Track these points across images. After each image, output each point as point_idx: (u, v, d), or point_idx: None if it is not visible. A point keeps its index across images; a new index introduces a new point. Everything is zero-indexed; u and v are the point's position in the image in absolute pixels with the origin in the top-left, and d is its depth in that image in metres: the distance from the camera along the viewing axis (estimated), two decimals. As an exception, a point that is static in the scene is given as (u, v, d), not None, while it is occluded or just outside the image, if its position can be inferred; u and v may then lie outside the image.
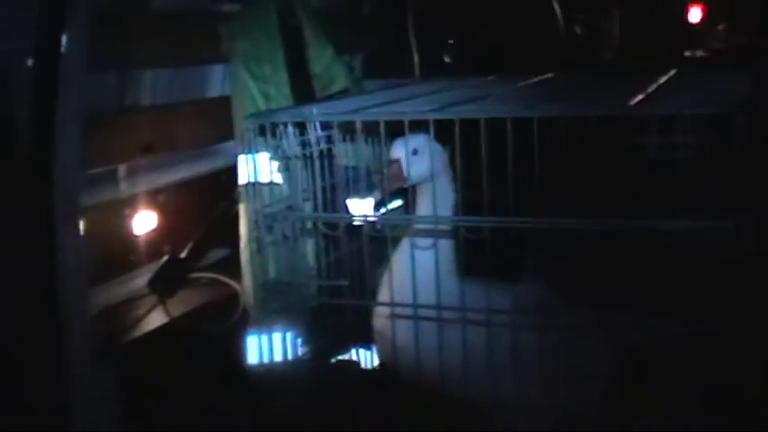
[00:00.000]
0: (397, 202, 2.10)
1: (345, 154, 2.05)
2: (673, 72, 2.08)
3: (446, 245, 1.84)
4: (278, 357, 1.99)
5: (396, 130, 1.76)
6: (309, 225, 2.05)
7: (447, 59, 3.98)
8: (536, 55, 3.82)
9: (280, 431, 2.07)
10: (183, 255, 2.72)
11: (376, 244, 1.90)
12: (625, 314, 1.60)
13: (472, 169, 1.64)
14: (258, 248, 1.89)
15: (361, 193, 2.13)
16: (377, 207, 1.99)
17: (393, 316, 1.83)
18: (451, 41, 4.00)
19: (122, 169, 2.69)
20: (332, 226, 1.87)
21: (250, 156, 1.84)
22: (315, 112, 1.78)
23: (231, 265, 2.57)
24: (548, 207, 1.54)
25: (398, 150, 1.81)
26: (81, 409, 1.76)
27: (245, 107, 2.40)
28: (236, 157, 2.20)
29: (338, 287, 1.98)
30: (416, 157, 1.81)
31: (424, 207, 1.86)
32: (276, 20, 2.55)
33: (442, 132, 1.71)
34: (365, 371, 2.31)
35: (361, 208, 2.17)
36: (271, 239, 1.88)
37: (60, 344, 1.74)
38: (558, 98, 1.71)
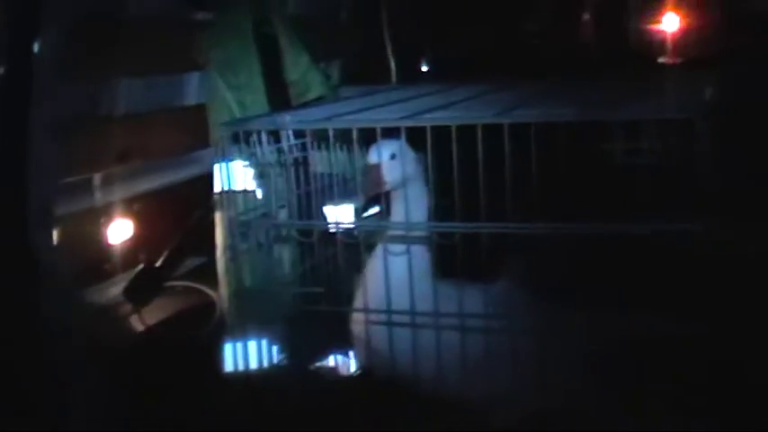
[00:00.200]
0: (374, 209, 2.11)
1: (320, 161, 2.06)
2: (644, 78, 2.11)
3: (422, 250, 1.86)
4: (254, 365, 1.99)
5: (370, 138, 1.78)
6: (285, 233, 2.05)
7: (423, 66, 4.01)
8: (511, 61, 3.85)
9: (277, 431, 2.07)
10: (158, 263, 2.72)
11: (353, 251, 1.91)
12: (600, 313, 1.62)
13: (446, 175, 1.66)
14: (233, 256, 1.89)
15: (336, 200, 2.14)
16: (358, 213, 2.01)
17: (368, 322, 1.84)
18: (428, 48, 4.03)
19: (97, 178, 2.68)
20: (307, 233, 1.87)
21: (224, 164, 1.85)
22: (288, 120, 1.79)
23: (208, 273, 2.57)
24: (520, 212, 1.56)
25: (376, 155, 1.82)
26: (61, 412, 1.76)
27: (221, 115, 2.40)
28: (213, 165, 2.20)
29: (314, 294, 1.98)
30: (394, 162, 1.83)
31: (399, 213, 1.88)
32: (251, 28, 2.56)
33: (416, 139, 1.73)
34: (344, 377, 2.32)
35: (339, 215, 2.18)
36: (245, 247, 1.88)
37: (43, 349, 1.74)
38: (529, 104, 1.73)
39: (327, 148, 1.99)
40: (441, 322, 1.77)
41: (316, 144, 1.99)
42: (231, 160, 1.87)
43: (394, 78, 3.69)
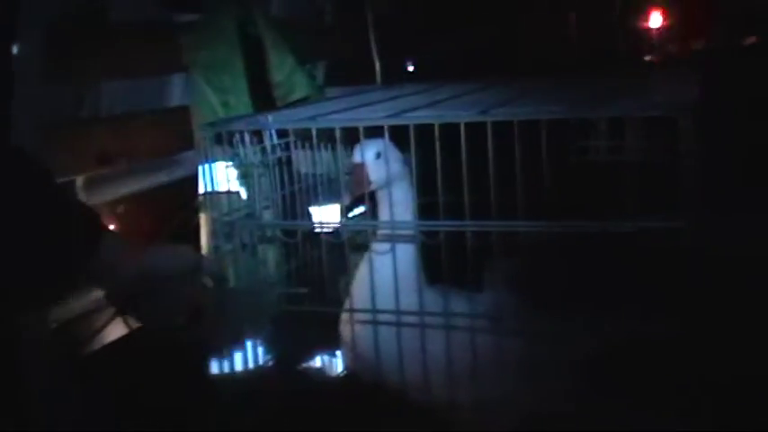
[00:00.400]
0: (360, 209, 2.11)
1: (304, 161, 2.06)
2: (628, 76, 2.11)
3: (412, 251, 1.85)
4: (240, 366, 1.98)
5: (354, 137, 1.77)
6: (269, 233, 2.04)
7: (409, 66, 4.01)
8: (496, 60, 3.86)
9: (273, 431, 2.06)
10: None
11: (339, 251, 1.90)
12: (587, 316, 1.62)
13: (431, 174, 1.66)
14: (217, 257, 1.88)
15: (322, 201, 2.13)
16: (344, 213, 2.00)
17: (352, 322, 1.83)
18: (413, 48, 4.03)
19: (80, 180, 2.66)
20: (291, 233, 1.86)
21: (207, 165, 1.84)
22: (270, 120, 1.78)
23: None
24: (506, 210, 1.56)
25: (361, 155, 1.82)
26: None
27: (205, 116, 2.39)
28: (198, 166, 2.19)
29: (299, 295, 1.97)
30: (379, 161, 1.82)
31: (385, 213, 1.87)
32: (235, 29, 2.55)
33: (401, 138, 1.72)
34: (331, 378, 2.31)
35: (326, 215, 2.17)
36: (230, 248, 1.87)
37: (21, 356, 1.72)
38: (514, 102, 1.73)
39: (311, 147, 1.98)
40: (427, 323, 1.76)
41: (300, 144, 1.99)
42: (214, 161, 1.86)
43: (379, 79, 3.69)
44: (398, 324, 1.78)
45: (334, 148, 2.02)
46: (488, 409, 1.79)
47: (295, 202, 2.04)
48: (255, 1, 2.76)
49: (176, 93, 2.97)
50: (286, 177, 2.05)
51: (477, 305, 1.82)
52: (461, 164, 1.60)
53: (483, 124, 1.56)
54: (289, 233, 1.87)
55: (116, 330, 2.50)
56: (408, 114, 1.68)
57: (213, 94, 2.45)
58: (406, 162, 1.85)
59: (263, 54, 2.62)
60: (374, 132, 1.73)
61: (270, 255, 2.20)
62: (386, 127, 1.67)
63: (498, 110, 1.60)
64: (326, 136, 1.91)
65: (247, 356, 1.98)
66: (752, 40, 4.71)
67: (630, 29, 4.97)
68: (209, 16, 2.58)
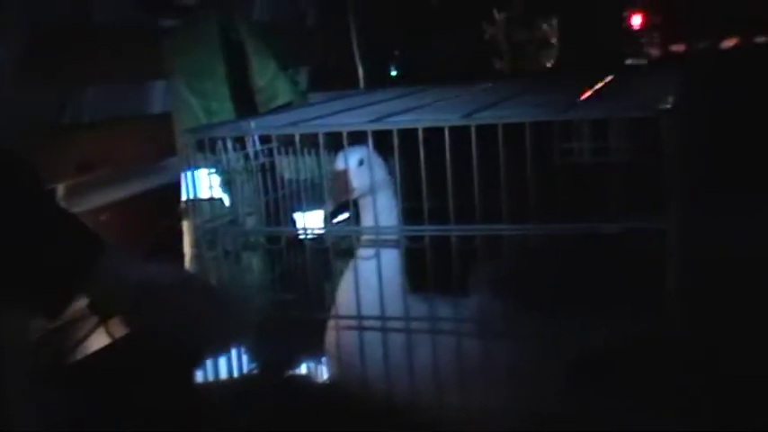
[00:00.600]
0: (344, 215, 2.10)
1: (287, 167, 2.05)
2: (610, 78, 2.12)
3: (398, 256, 1.84)
4: (225, 373, 1.96)
5: (337, 142, 1.76)
6: (252, 239, 2.03)
7: (392, 71, 4.01)
8: (478, 64, 3.86)
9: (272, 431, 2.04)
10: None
11: (324, 257, 1.89)
12: (573, 318, 1.62)
13: (415, 179, 1.65)
14: (200, 265, 1.86)
15: (305, 206, 2.12)
16: (327, 219, 1.99)
17: (338, 329, 1.82)
18: (396, 53, 4.03)
19: (61, 189, 2.64)
20: (275, 240, 1.85)
21: (189, 171, 1.82)
22: (253, 126, 1.77)
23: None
24: (491, 214, 1.56)
25: (344, 161, 1.81)
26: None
27: (187, 123, 2.37)
28: (180, 173, 2.18)
29: (284, 301, 1.96)
30: (362, 168, 1.81)
31: (369, 219, 1.86)
32: (217, 34, 2.54)
33: (383, 143, 1.72)
34: (318, 385, 2.30)
35: (308, 221, 2.16)
36: (213, 255, 1.86)
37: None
38: (496, 106, 1.73)
39: (295, 153, 1.97)
40: (413, 329, 1.76)
41: (283, 150, 1.98)
42: (197, 168, 1.85)
43: (362, 84, 3.69)
44: (384, 329, 1.77)
45: (317, 154, 2.01)
46: (474, 412, 1.79)
47: (279, 209, 2.03)
48: (237, 5, 2.75)
49: (159, 99, 2.95)
50: (269, 183, 2.04)
51: (463, 309, 1.81)
52: (446, 168, 1.59)
53: (467, 128, 1.56)
54: (272, 239, 1.86)
55: (99, 340, 2.49)
56: (392, 119, 1.67)
57: (195, 99, 2.43)
58: (390, 168, 1.84)
59: (245, 59, 2.61)
60: (357, 137, 1.72)
61: (254, 261, 2.19)
62: (369, 132, 1.66)
63: (482, 113, 1.60)
64: (310, 141, 1.90)
65: (232, 364, 1.96)
66: (732, 42, 4.75)
67: (613, 31, 5.01)
68: (191, 21, 2.56)
